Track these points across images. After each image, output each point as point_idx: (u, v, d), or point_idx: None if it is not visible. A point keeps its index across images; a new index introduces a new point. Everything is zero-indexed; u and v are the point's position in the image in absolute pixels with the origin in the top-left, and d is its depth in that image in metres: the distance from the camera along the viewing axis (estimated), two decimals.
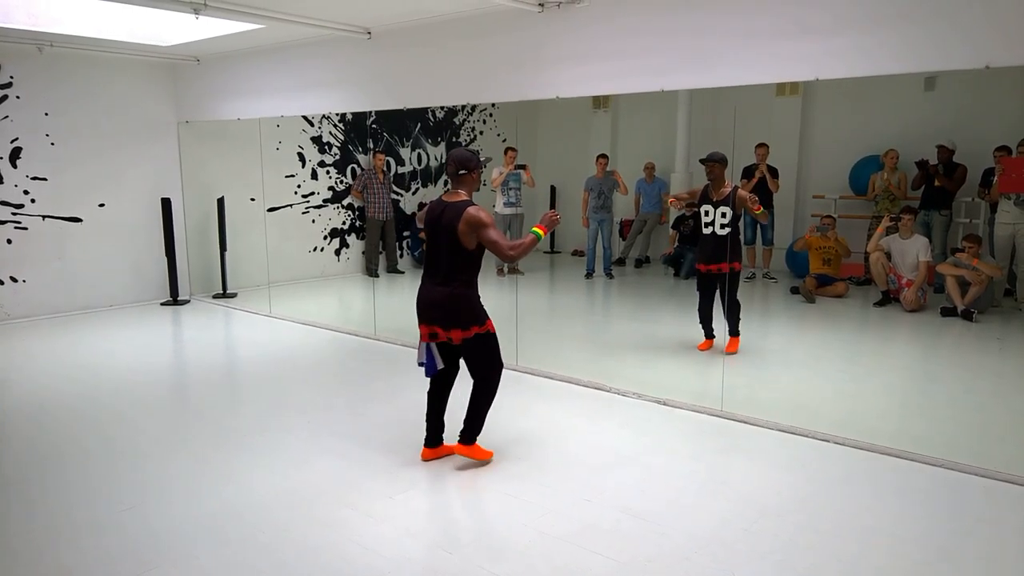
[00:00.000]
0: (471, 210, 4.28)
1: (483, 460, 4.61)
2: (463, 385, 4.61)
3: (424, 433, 4.69)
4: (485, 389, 4.53)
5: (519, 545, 3.66)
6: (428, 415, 4.67)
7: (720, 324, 7.04)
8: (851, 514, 3.98)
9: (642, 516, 3.93)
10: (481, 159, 4.55)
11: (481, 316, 4.45)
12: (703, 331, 7.18)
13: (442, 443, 4.71)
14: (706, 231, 6.88)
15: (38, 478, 4.49)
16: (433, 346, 4.46)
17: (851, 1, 4.68)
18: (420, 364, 4.52)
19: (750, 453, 4.83)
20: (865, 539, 3.72)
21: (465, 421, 4.56)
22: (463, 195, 4.42)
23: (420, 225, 12.20)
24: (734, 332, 6.97)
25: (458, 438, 4.58)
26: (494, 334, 4.50)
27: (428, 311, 4.43)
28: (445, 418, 4.70)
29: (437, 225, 4.39)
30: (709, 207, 6.84)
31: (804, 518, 3.93)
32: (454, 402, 4.65)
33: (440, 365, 4.50)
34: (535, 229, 4.39)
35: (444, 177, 13.10)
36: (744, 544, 3.66)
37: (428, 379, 4.61)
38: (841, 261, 9.94)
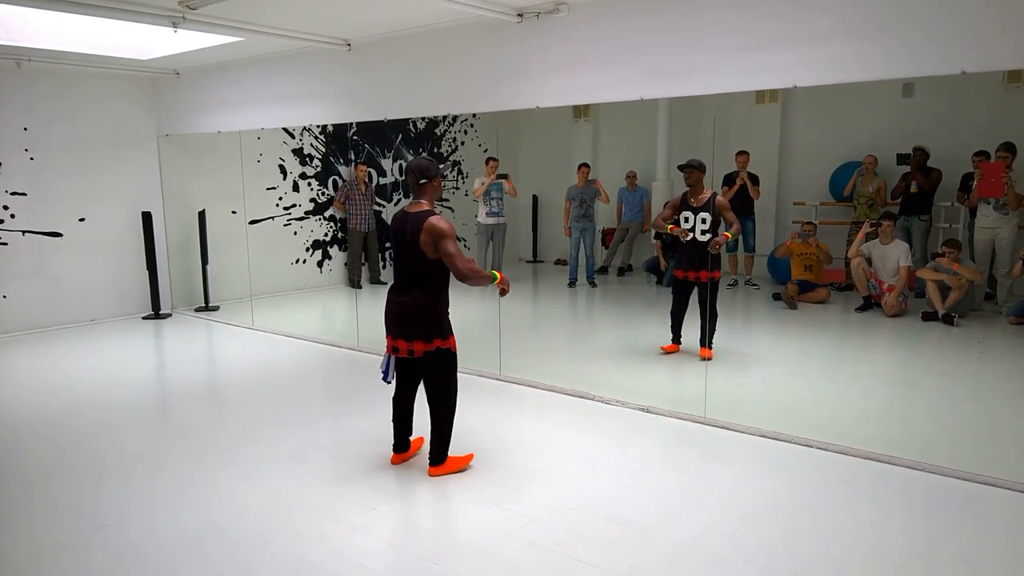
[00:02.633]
0: (432, 219, 4.29)
1: (463, 468, 4.61)
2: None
3: (392, 440, 4.76)
4: (443, 411, 4.50)
5: (504, 554, 3.65)
6: (394, 420, 4.73)
7: (690, 330, 7.15)
8: (833, 519, 4.00)
9: (626, 524, 3.94)
10: (440, 165, 4.55)
11: (445, 329, 4.47)
12: (671, 334, 7.25)
13: (410, 445, 4.77)
14: (714, 251, 6.88)
15: (21, 494, 4.45)
16: (392, 359, 4.51)
17: (829, 9, 4.72)
18: (382, 370, 4.58)
19: (733, 459, 4.84)
20: (847, 544, 3.74)
21: (431, 446, 4.55)
22: (425, 205, 4.42)
23: None
24: (708, 344, 6.99)
25: (429, 463, 4.56)
26: (455, 353, 4.52)
27: (392, 323, 4.47)
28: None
29: (401, 236, 4.40)
30: (689, 213, 6.88)
31: (787, 524, 3.95)
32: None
33: (391, 379, 4.57)
34: (495, 272, 4.46)
35: None
36: (728, 550, 3.67)
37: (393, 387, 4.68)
38: (822, 267, 10.01)
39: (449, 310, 4.53)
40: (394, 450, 4.76)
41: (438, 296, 4.43)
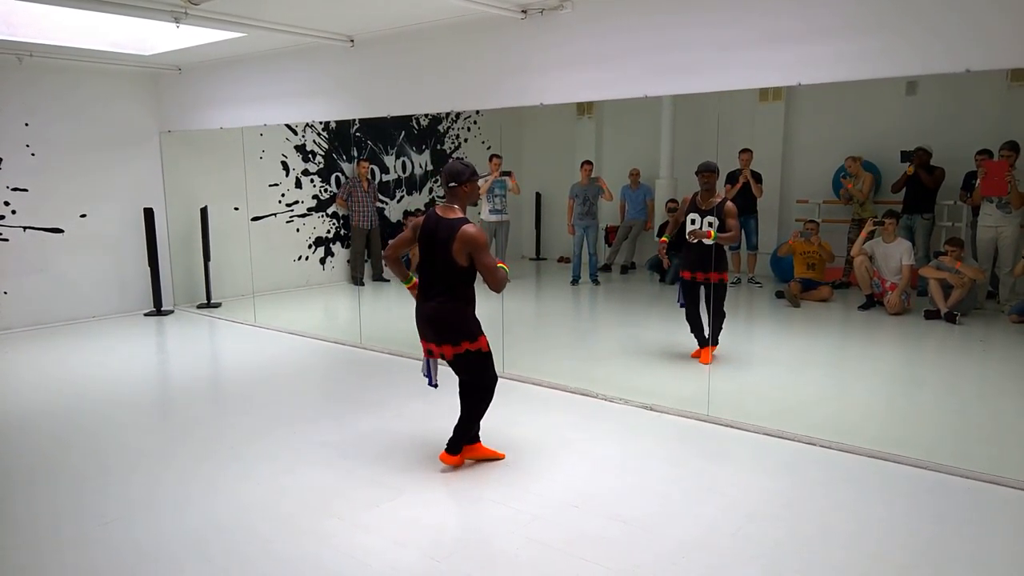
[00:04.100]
0: (467, 228, 4.26)
1: (463, 462, 4.66)
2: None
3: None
4: (471, 407, 4.54)
5: (508, 552, 3.64)
6: None
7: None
8: (837, 517, 3.99)
9: (630, 522, 3.93)
10: (479, 172, 4.54)
11: (474, 332, 4.45)
12: (696, 340, 7.02)
13: None
14: (691, 239, 6.86)
15: (22, 492, 4.44)
16: (432, 362, 4.53)
17: (834, 7, 4.71)
18: (425, 375, 4.60)
19: (736, 457, 4.83)
20: (851, 542, 3.73)
21: (453, 433, 4.59)
22: (458, 211, 4.40)
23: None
24: (713, 342, 6.94)
25: (445, 449, 4.60)
26: (487, 352, 4.51)
27: (422, 327, 4.47)
28: (449, 421, 4.74)
29: (432, 239, 4.37)
30: (696, 215, 6.83)
31: (790, 522, 3.94)
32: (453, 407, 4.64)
33: (436, 382, 4.57)
34: (501, 265, 4.46)
35: (429, 185, 13.09)
36: (731, 549, 3.66)
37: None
38: (825, 265, 9.99)
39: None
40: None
41: (463, 299, 4.41)
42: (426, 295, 4.43)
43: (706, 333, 6.96)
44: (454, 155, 13.35)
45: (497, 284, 4.33)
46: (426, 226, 4.42)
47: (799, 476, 4.51)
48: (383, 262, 4.57)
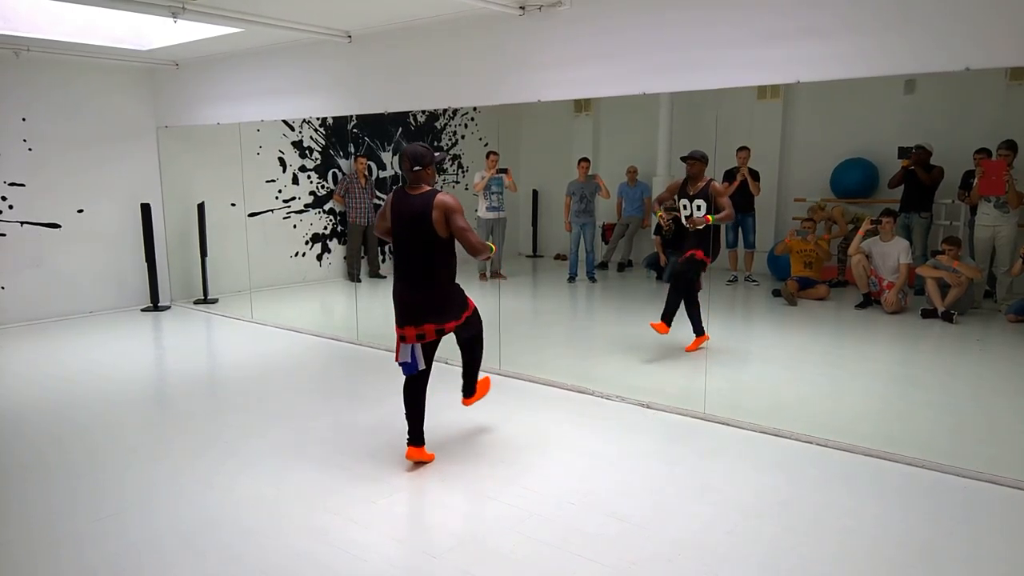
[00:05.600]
0: (441, 196, 4.30)
1: (487, 393, 5.24)
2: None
3: (407, 434, 4.64)
4: (477, 353, 4.93)
5: (504, 549, 3.64)
6: (409, 414, 4.60)
7: (682, 323, 7.12)
8: (833, 515, 3.99)
9: (626, 519, 3.93)
10: (436, 154, 4.49)
11: (466, 301, 4.67)
12: (693, 328, 7.12)
13: (424, 441, 4.63)
14: (690, 227, 6.92)
15: (17, 488, 4.44)
16: (418, 347, 4.45)
17: (832, 4, 4.70)
18: (401, 363, 4.50)
19: (732, 455, 4.83)
20: (846, 540, 3.73)
21: (465, 381, 5.00)
22: (425, 187, 4.39)
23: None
24: (665, 319, 6.94)
25: (462, 394, 5.07)
26: (475, 308, 4.79)
27: (415, 312, 4.40)
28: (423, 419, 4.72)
29: (405, 219, 4.35)
30: (686, 201, 6.92)
31: (786, 520, 3.94)
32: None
33: (422, 366, 4.50)
34: (491, 245, 4.56)
35: None
36: (727, 546, 3.66)
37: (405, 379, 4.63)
38: (822, 264, 9.99)
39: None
40: (410, 443, 4.59)
41: (452, 275, 4.51)
42: (411, 280, 4.41)
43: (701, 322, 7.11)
44: (450, 152, 13.33)
45: (474, 247, 4.35)
46: (395, 207, 4.42)
47: (795, 474, 4.51)
48: (378, 238, 4.62)
